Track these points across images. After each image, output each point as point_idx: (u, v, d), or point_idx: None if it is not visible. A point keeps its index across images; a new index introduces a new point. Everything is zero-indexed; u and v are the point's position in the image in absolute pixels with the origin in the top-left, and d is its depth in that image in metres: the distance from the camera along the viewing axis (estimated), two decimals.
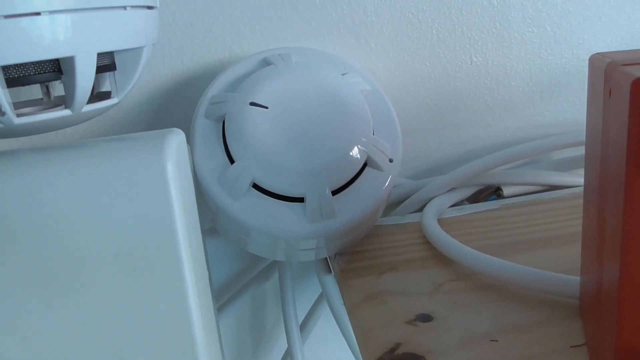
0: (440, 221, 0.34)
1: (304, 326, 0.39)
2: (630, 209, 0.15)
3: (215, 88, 0.31)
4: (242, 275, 0.40)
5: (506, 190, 0.38)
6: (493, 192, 0.38)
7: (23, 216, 0.18)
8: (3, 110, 0.19)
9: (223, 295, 0.39)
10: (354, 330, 0.26)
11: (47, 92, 0.25)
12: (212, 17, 0.34)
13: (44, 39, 0.19)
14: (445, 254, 0.29)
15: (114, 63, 0.23)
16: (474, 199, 0.38)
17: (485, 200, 0.38)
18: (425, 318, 0.25)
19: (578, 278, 0.24)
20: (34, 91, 0.27)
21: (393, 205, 0.38)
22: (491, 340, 0.23)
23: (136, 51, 0.23)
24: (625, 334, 0.16)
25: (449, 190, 0.37)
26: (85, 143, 0.20)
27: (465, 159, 0.39)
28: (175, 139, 0.19)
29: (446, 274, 0.28)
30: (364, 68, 0.37)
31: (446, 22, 0.37)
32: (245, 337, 0.42)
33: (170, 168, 0.18)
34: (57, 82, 0.24)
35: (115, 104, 0.24)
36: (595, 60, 0.19)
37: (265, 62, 0.31)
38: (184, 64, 0.35)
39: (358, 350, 0.33)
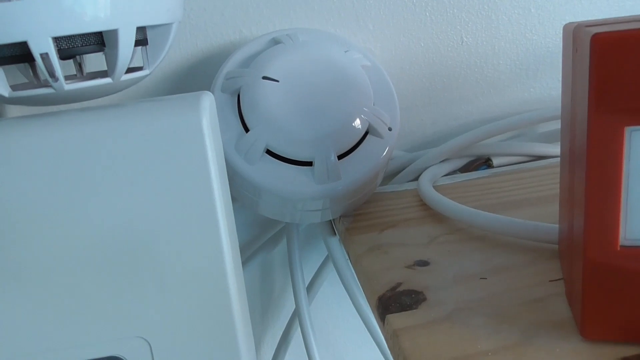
0: (435, 187, 0.37)
1: (310, 288, 0.42)
2: (593, 147, 0.18)
3: (229, 65, 0.34)
4: (251, 242, 0.43)
5: (496, 161, 0.41)
6: (483, 162, 0.41)
7: (74, 170, 0.21)
8: (57, 75, 0.22)
9: None
10: (358, 277, 0.30)
11: (80, 68, 0.28)
12: (224, 1, 0.37)
13: (91, 14, 0.22)
14: (439, 211, 0.32)
15: (146, 38, 0.26)
16: (466, 169, 0.42)
17: (476, 170, 0.41)
18: (423, 263, 0.28)
19: (556, 225, 0.27)
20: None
21: (391, 175, 0.41)
22: (481, 278, 0.26)
23: (166, 27, 0.26)
24: (590, 253, 0.19)
25: (443, 161, 0.40)
26: (126, 103, 0.23)
27: (457, 132, 0.42)
28: (208, 99, 0.22)
29: (440, 229, 0.32)
30: (364, 48, 0.40)
31: (439, 4, 0.40)
32: (254, 301, 0.45)
33: (205, 123, 0.21)
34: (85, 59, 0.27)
35: (147, 75, 0.27)
36: (567, 27, 0.22)
37: (275, 42, 0.34)
38: (197, 45, 0.38)
39: (361, 304, 0.36)
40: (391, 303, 0.25)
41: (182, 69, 0.38)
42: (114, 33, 0.22)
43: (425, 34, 0.40)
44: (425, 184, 0.36)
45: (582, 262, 0.20)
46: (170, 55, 0.38)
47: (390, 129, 0.33)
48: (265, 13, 0.38)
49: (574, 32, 0.20)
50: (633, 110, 0.17)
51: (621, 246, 0.19)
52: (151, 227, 0.21)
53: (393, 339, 0.22)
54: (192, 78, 0.38)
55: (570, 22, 0.23)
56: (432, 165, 0.40)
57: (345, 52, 0.34)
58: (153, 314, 0.22)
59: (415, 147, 0.43)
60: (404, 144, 0.43)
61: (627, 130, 0.18)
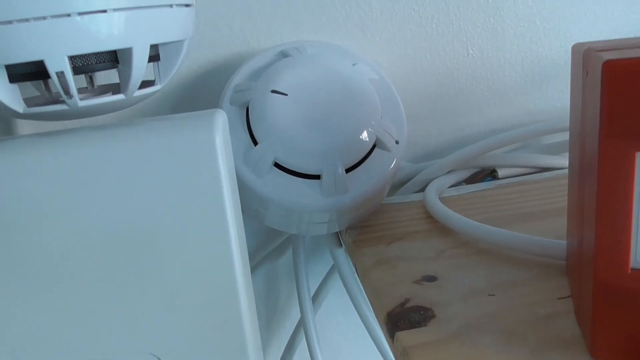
0: (441, 199, 0.37)
1: (315, 298, 0.42)
2: (604, 173, 0.18)
3: (238, 77, 0.34)
4: (257, 251, 0.43)
5: (501, 172, 0.41)
6: (489, 174, 0.42)
7: (89, 189, 0.21)
8: (72, 93, 0.22)
9: None
10: (366, 291, 0.30)
11: (91, 82, 0.29)
12: (231, 13, 0.37)
13: (106, 32, 0.22)
14: (446, 225, 0.33)
15: (159, 54, 0.26)
16: (471, 180, 0.42)
17: (482, 182, 0.41)
18: (431, 278, 0.28)
19: (564, 242, 0.27)
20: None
21: (397, 186, 0.41)
22: (489, 295, 0.26)
23: (178, 44, 0.26)
24: (600, 275, 0.20)
25: (448, 172, 0.41)
26: (140, 121, 0.23)
27: (462, 143, 0.43)
28: (221, 117, 0.22)
29: (447, 242, 0.32)
30: (370, 60, 0.40)
31: (445, 17, 0.40)
32: (259, 310, 0.45)
33: (219, 141, 0.21)
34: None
35: (158, 90, 0.27)
36: (576, 48, 0.22)
37: (283, 54, 0.35)
38: (205, 56, 0.38)
39: (367, 315, 0.36)
40: (400, 319, 0.25)
41: (190, 79, 0.38)
42: (128, 51, 0.23)
43: (431, 46, 0.41)
44: (432, 196, 0.36)
45: (592, 284, 0.20)
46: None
47: (397, 142, 0.33)
48: (273, 25, 0.38)
49: (584, 55, 0.20)
50: None
51: (632, 269, 0.19)
52: (164, 244, 0.22)
53: (403, 356, 0.23)
54: (200, 89, 0.38)
55: (579, 43, 0.23)
56: (438, 176, 0.40)
57: (353, 65, 0.34)
58: (164, 330, 0.22)
59: (421, 157, 0.43)
60: (409, 154, 0.43)
61: (639, 155, 0.18)
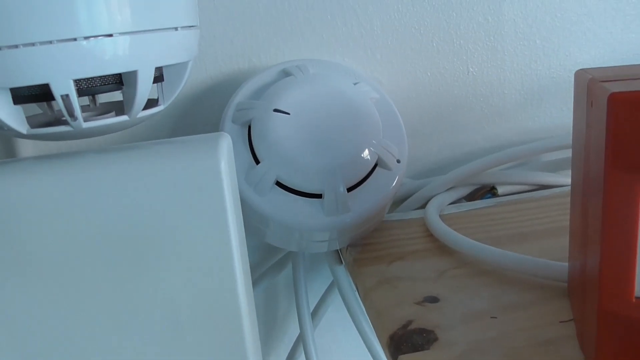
0: (441, 217, 0.38)
1: (314, 313, 0.42)
2: (609, 204, 0.19)
3: (240, 96, 0.34)
4: (257, 266, 0.43)
5: (501, 189, 0.41)
6: (488, 191, 0.42)
7: (94, 213, 0.21)
8: (76, 115, 0.22)
9: None
10: (368, 312, 0.30)
11: (94, 100, 0.29)
12: (234, 30, 0.37)
13: (113, 56, 0.22)
14: (447, 244, 0.33)
15: (162, 75, 0.26)
16: (471, 197, 0.42)
17: (482, 199, 0.42)
18: (433, 299, 0.28)
19: (566, 264, 0.27)
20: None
21: (397, 202, 0.41)
22: (491, 317, 0.26)
23: (182, 65, 0.26)
24: (604, 303, 0.20)
25: (448, 189, 0.41)
26: (145, 145, 0.23)
27: (463, 160, 0.43)
28: (226, 141, 0.22)
29: (449, 263, 0.32)
30: (371, 77, 0.40)
31: (445, 35, 0.40)
32: (258, 325, 0.45)
33: (224, 166, 0.21)
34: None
35: (161, 111, 0.27)
36: (580, 76, 0.22)
37: (285, 73, 0.35)
38: (207, 72, 0.38)
39: (367, 331, 0.36)
40: (403, 342, 0.25)
41: (192, 96, 0.38)
42: (133, 74, 0.23)
43: (431, 64, 0.41)
44: (433, 214, 0.36)
45: (596, 312, 0.20)
46: None
47: (398, 161, 0.34)
48: (275, 42, 0.38)
49: (588, 85, 0.20)
50: None
51: (637, 298, 0.19)
52: (169, 266, 0.22)
53: None
54: (201, 106, 0.38)
55: (582, 70, 0.23)
56: (439, 193, 0.40)
57: (355, 84, 0.34)
58: (169, 347, 0.22)
59: (421, 174, 0.43)
60: (410, 171, 0.43)
61: None
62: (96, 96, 0.28)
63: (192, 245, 0.21)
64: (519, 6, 0.40)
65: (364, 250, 0.34)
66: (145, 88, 0.23)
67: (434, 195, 0.40)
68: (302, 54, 0.39)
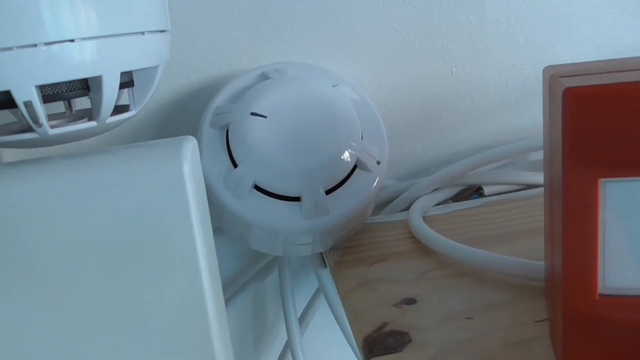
0: (426, 218, 0.37)
1: (302, 319, 0.42)
2: (568, 200, 0.18)
3: (218, 100, 0.34)
4: (244, 272, 0.43)
5: (487, 190, 0.41)
6: (474, 191, 0.41)
7: (58, 215, 0.21)
8: (41, 122, 0.22)
9: (226, 291, 0.42)
10: (346, 314, 0.29)
11: (70, 107, 0.29)
12: (215, 35, 0.37)
13: (76, 62, 0.22)
14: (428, 246, 0.32)
15: (132, 80, 0.26)
16: (458, 198, 0.42)
17: (468, 199, 0.41)
18: (410, 301, 0.28)
19: (542, 263, 0.27)
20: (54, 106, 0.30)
21: (383, 204, 0.41)
22: (466, 318, 0.26)
23: (152, 69, 0.26)
24: (569, 301, 0.19)
25: (434, 190, 0.40)
26: (109, 150, 0.23)
27: (448, 161, 0.43)
28: (190, 145, 0.22)
29: (429, 264, 0.31)
30: (354, 79, 0.40)
31: (428, 36, 0.40)
32: (247, 331, 0.45)
33: (187, 169, 0.21)
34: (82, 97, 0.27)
35: (133, 116, 0.27)
36: (546, 72, 0.22)
37: (264, 76, 0.35)
38: (189, 77, 0.38)
39: (350, 333, 0.36)
40: (376, 345, 0.24)
41: (174, 101, 0.38)
42: (98, 79, 0.23)
43: (414, 65, 0.41)
44: (416, 216, 0.36)
45: (562, 310, 0.20)
46: (163, 87, 0.38)
47: (378, 163, 0.33)
48: (256, 46, 0.38)
49: (550, 80, 0.20)
50: (606, 162, 0.18)
51: (600, 295, 0.19)
52: (134, 269, 0.21)
53: None
54: (183, 110, 0.38)
55: (550, 66, 0.23)
56: (424, 195, 0.40)
57: (334, 86, 0.34)
58: (136, 351, 0.22)
59: (406, 175, 0.43)
60: (395, 172, 0.43)
61: (602, 182, 0.18)
62: (72, 102, 0.29)
63: (157, 248, 0.21)
64: (501, 5, 0.40)
65: (346, 252, 0.34)
66: (111, 93, 0.23)
67: (419, 197, 0.39)
68: (284, 57, 0.39)
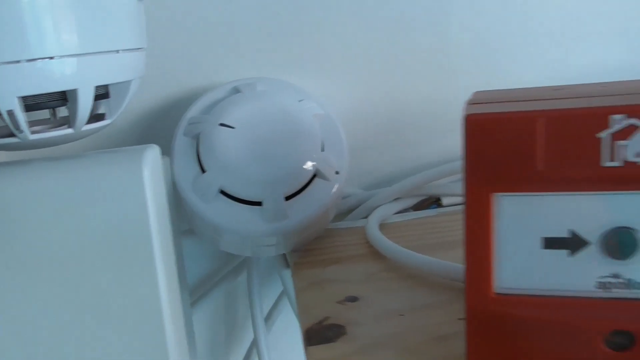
0: (386, 225, 0.40)
1: (268, 317, 0.45)
2: (468, 211, 0.21)
3: (193, 111, 0.37)
4: (217, 272, 0.46)
5: (445, 200, 0.44)
6: (434, 201, 0.44)
7: (23, 215, 0.24)
8: (21, 128, 0.25)
9: (199, 290, 0.45)
10: (298, 310, 0.32)
11: (54, 113, 0.32)
12: (195, 50, 0.41)
13: (55, 76, 0.25)
14: (379, 250, 0.35)
15: (108, 92, 0.29)
16: (418, 207, 0.45)
17: (427, 209, 0.44)
18: (353, 299, 0.31)
19: None
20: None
21: (346, 212, 0.44)
22: (399, 315, 0.29)
23: (126, 83, 0.29)
24: (470, 299, 0.22)
25: (395, 200, 0.43)
26: (78, 155, 0.26)
27: (411, 173, 0.45)
28: (152, 152, 0.25)
29: (379, 267, 0.34)
30: (324, 94, 0.43)
31: (393, 54, 0.43)
32: (219, 328, 0.48)
33: (147, 175, 0.24)
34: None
35: (109, 124, 0.30)
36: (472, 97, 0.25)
37: (235, 90, 0.38)
38: (170, 89, 0.41)
39: None
40: (315, 336, 0.27)
41: (154, 111, 0.41)
42: (74, 92, 0.26)
43: (382, 82, 0.44)
44: (372, 223, 0.39)
45: (465, 307, 0.22)
46: (144, 98, 0.41)
47: (337, 172, 0.36)
48: (233, 61, 0.41)
49: (464, 107, 0.23)
50: (498, 179, 0.20)
51: (495, 294, 0.22)
52: (95, 268, 0.24)
53: None
54: (162, 121, 0.41)
55: (477, 91, 0.26)
56: (384, 204, 0.43)
57: (300, 101, 0.37)
58: (95, 343, 0.25)
59: (372, 185, 0.46)
60: (361, 182, 0.46)
61: (495, 195, 0.21)
62: (56, 110, 0.32)
63: (117, 247, 0.24)
64: (465, 29, 0.43)
65: (305, 255, 0.37)
66: (86, 104, 0.26)
67: (380, 206, 0.42)
68: (259, 73, 0.42)
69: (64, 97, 0.27)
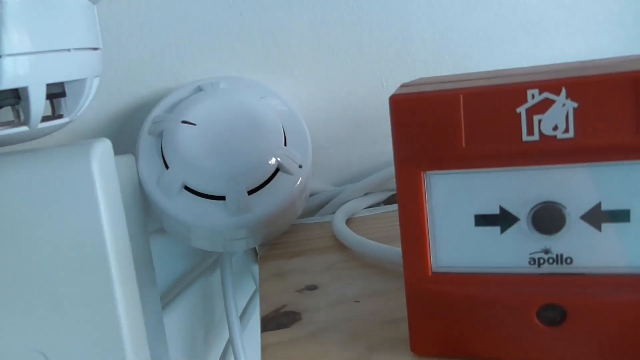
0: (354, 219, 0.41)
1: (244, 314, 0.45)
2: (400, 192, 0.22)
3: (157, 110, 0.38)
4: (194, 269, 0.46)
5: None
6: None
7: None
8: None
9: (175, 289, 0.46)
10: (260, 299, 0.33)
11: (17, 114, 0.32)
12: (161, 52, 0.41)
13: (4, 74, 0.26)
14: (340, 240, 0.36)
15: (64, 91, 0.30)
16: (389, 201, 0.45)
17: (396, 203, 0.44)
18: (312, 288, 0.31)
19: None
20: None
21: (317, 208, 0.44)
22: (355, 301, 0.29)
23: (81, 82, 0.30)
24: (408, 280, 0.23)
25: (365, 195, 0.44)
26: (28, 150, 0.26)
27: (380, 168, 0.46)
28: (101, 145, 0.26)
29: (340, 257, 0.35)
30: (291, 93, 0.44)
31: (358, 52, 0.44)
32: (197, 325, 0.48)
33: (95, 167, 0.25)
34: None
35: (67, 123, 0.31)
36: None
37: (199, 89, 0.38)
38: (138, 92, 0.42)
39: None
40: (270, 323, 0.28)
41: (122, 111, 0.42)
42: (25, 90, 0.26)
43: (348, 79, 0.44)
44: (338, 216, 0.39)
45: (405, 287, 0.23)
46: (113, 99, 0.42)
47: (300, 167, 0.37)
48: (199, 63, 0.42)
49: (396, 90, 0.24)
50: (426, 158, 0.21)
51: (433, 272, 0.22)
52: (47, 267, 0.25)
53: (262, 353, 0.26)
54: (131, 121, 0.42)
55: (422, 77, 0.27)
56: (354, 199, 0.43)
57: (261, 98, 0.38)
58: (50, 331, 0.25)
59: (343, 181, 0.47)
60: (332, 178, 0.46)
61: (426, 174, 0.21)
62: (20, 111, 0.32)
63: (68, 244, 0.25)
64: (427, 25, 0.44)
65: (272, 248, 0.38)
66: (38, 102, 0.27)
67: (349, 201, 0.43)
68: (225, 73, 0.43)
69: (17, 95, 0.28)
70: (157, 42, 0.41)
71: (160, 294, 0.46)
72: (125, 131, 0.42)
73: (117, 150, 0.42)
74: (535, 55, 0.46)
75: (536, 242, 0.21)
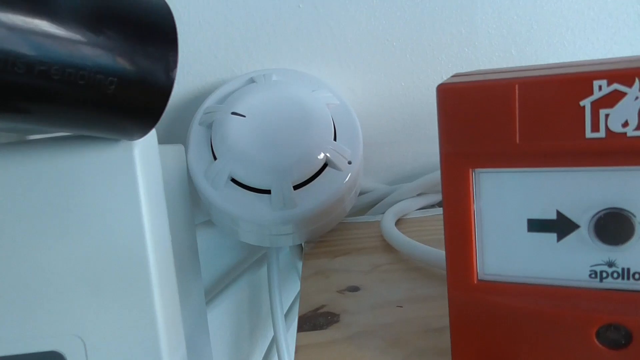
0: (404, 220, 0.39)
1: (289, 312, 0.45)
2: (446, 188, 0.20)
3: (209, 101, 0.38)
4: (238, 265, 0.46)
5: None
6: None
7: (16, 201, 0.24)
8: None
9: (222, 282, 0.46)
10: (300, 297, 0.32)
11: None
12: (217, 44, 0.41)
13: None
14: (388, 241, 0.34)
15: None
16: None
17: None
18: (354, 289, 0.30)
19: None
20: None
21: (367, 206, 0.43)
22: (397, 306, 0.27)
23: None
24: (452, 288, 0.21)
25: (418, 195, 0.42)
26: (75, 137, 0.26)
27: (437, 168, 0.44)
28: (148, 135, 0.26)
29: (386, 259, 0.33)
30: (345, 87, 0.42)
31: (418, 47, 0.42)
32: (243, 320, 0.48)
33: (138, 155, 0.24)
34: None
35: None
36: None
37: (251, 80, 0.38)
38: (193, 82, 0.42)
39: None
40: (307, 323, 0.27)
41: (176, 101, 0.42)
42: None
43: (405, 74, 0.42)
44: (388, 216, 0.37)
45: (448, 295, 0.21)
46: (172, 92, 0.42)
47: (350, 162, 0.36)
48: (254, 55, 0.42)
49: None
50: (476, 154, 0.19)
51: (479, 280, 0.20)
52: (88, 245, 0.25)
53: (295, 354, 0.25)
54: (184, 110, 0.42)
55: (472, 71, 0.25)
56: (406, 199, 0.41)
57: (313, 91, 0.37)
58: (88, 317, 0.25)
59: (397, 180, 0.45)
60: (385, 177, 0.45)
61: (475, 172, 0.20)
62: None
63: (107, 231, 0.24)
64: (493, 17, 0.41)
65: (318, 245, 0.37)
66: None
67: (401, 200, 0.41)
68: (279, 66, 0.42)
69: None
70: (213, 34, 0.41)
71: (207, 287, 0.46)
72: (179, 121, 0.43)
73: (171, 140, 0.43)
74: (614, 53, 0.42)
75: (598, 254, 0.19)
